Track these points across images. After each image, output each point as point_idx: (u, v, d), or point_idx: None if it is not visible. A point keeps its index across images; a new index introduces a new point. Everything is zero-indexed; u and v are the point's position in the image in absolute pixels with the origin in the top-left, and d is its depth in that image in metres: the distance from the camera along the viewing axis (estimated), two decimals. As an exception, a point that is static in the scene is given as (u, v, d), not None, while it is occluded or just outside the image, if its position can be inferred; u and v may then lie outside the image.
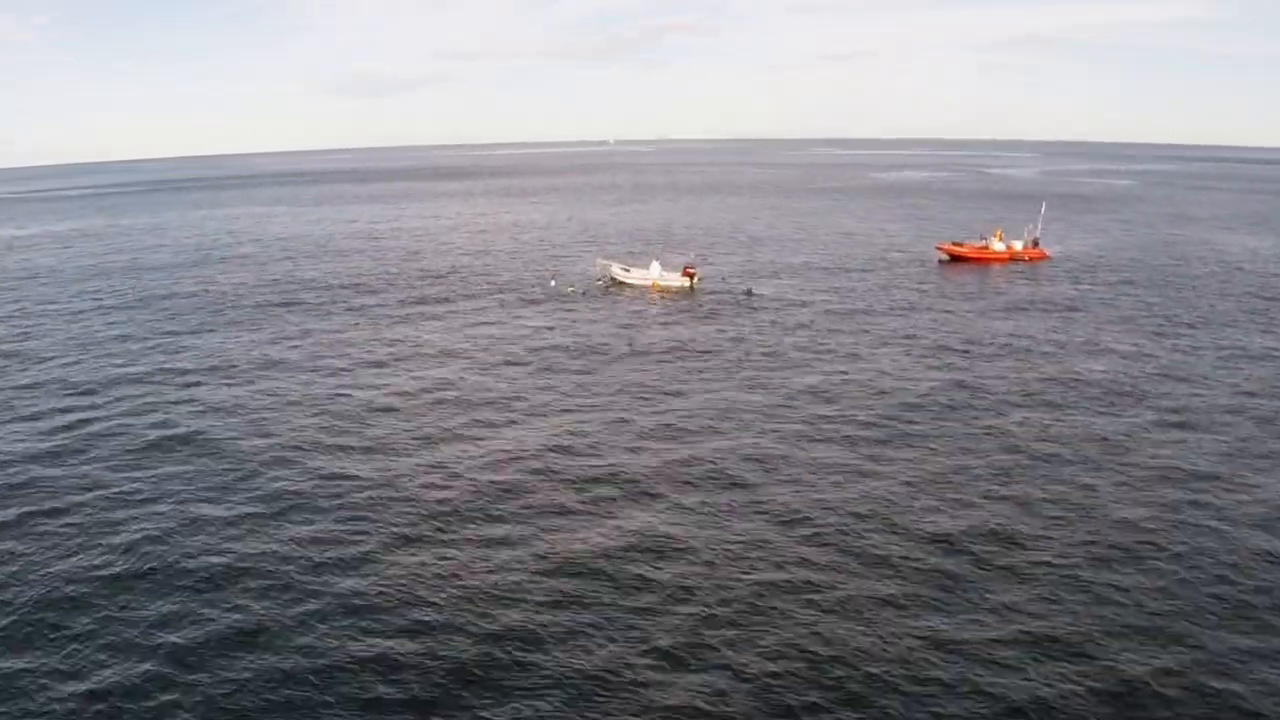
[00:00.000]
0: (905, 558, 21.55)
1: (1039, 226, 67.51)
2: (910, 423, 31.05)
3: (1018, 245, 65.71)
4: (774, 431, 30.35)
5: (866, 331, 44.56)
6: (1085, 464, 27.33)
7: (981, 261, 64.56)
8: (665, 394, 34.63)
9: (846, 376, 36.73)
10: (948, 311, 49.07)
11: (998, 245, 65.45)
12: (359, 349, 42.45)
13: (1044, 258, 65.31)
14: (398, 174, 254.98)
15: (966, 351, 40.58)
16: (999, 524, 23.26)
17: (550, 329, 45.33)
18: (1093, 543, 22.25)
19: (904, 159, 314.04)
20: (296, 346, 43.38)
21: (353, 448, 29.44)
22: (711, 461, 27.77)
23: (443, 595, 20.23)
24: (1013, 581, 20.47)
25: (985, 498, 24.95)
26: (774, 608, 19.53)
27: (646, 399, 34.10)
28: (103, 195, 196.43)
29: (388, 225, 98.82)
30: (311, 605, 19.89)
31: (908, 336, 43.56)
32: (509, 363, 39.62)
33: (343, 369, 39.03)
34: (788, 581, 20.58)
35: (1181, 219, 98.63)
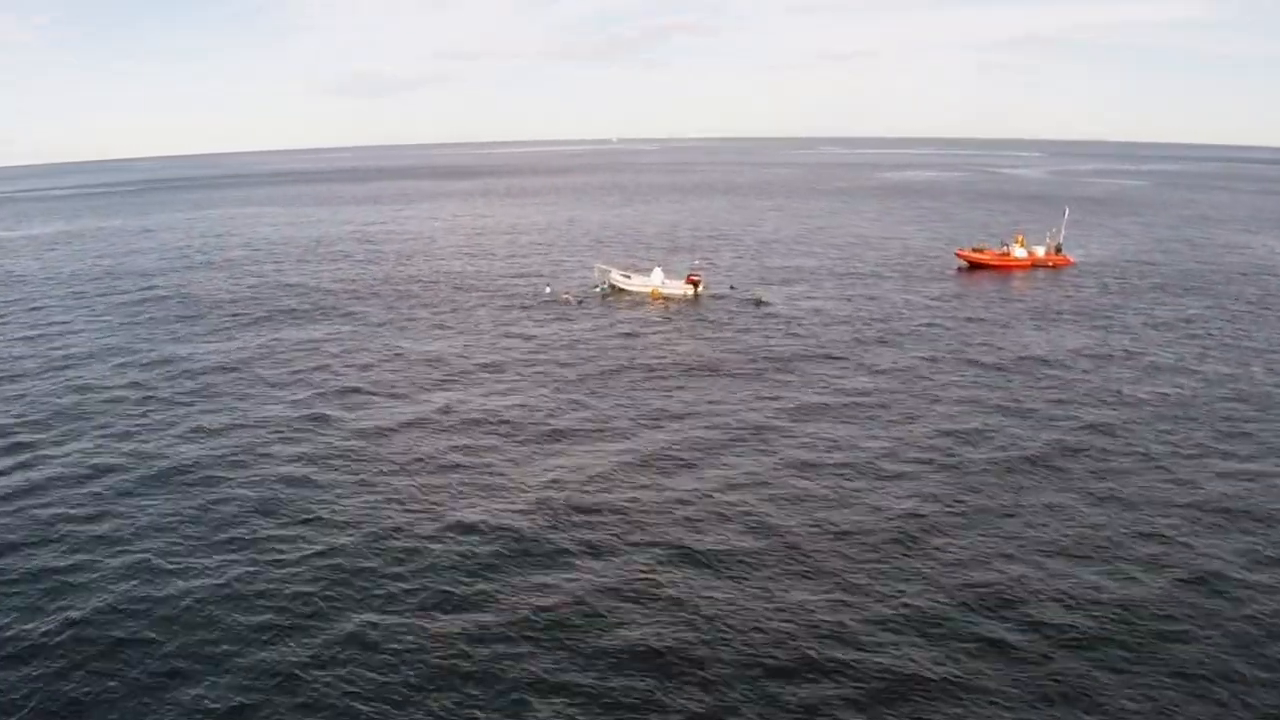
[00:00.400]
0: (952, 624, 18.42)
1: (1062, 231, 64.17)
2: (947, 452, 27.88)
3: (1040, 251, 62.45)
4: (792, 460, 27.23)
5: (885, 343, 41.43)
6: (1152, 505, 24.14)
7: (1003, 269, 61.30)
8: (670, 416, 31.52)
9: (868, 396, 33.58)
10: (972, 322, 45.95)
11: (1019, 251, 62.16)
12: (341, 363, 39.37)
13: (1068, 264, 62.05)
14: (395, 173, 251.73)
15: (999, 368, 37.42)
16: (1064, 580, 20.11)
17: (545, 343, 42.16)
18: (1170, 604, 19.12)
19: (909, 158, 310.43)
20: (276, 359, 40.30)
21: (336, 477, 26.36)
22: (722, 495, 24.67)
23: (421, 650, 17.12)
24: (1077, 652, 17.34)
25: (1044, 548, 21.78)
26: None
27: (649, 422, 30.98)
28: (93, 195, 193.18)
29: (380, 228, 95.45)
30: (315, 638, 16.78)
31: (931, 351, 40.38)
32: (500, 381, 36.48)
33: (321, 387, 35.95)
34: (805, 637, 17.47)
35: (1201, 220, 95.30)
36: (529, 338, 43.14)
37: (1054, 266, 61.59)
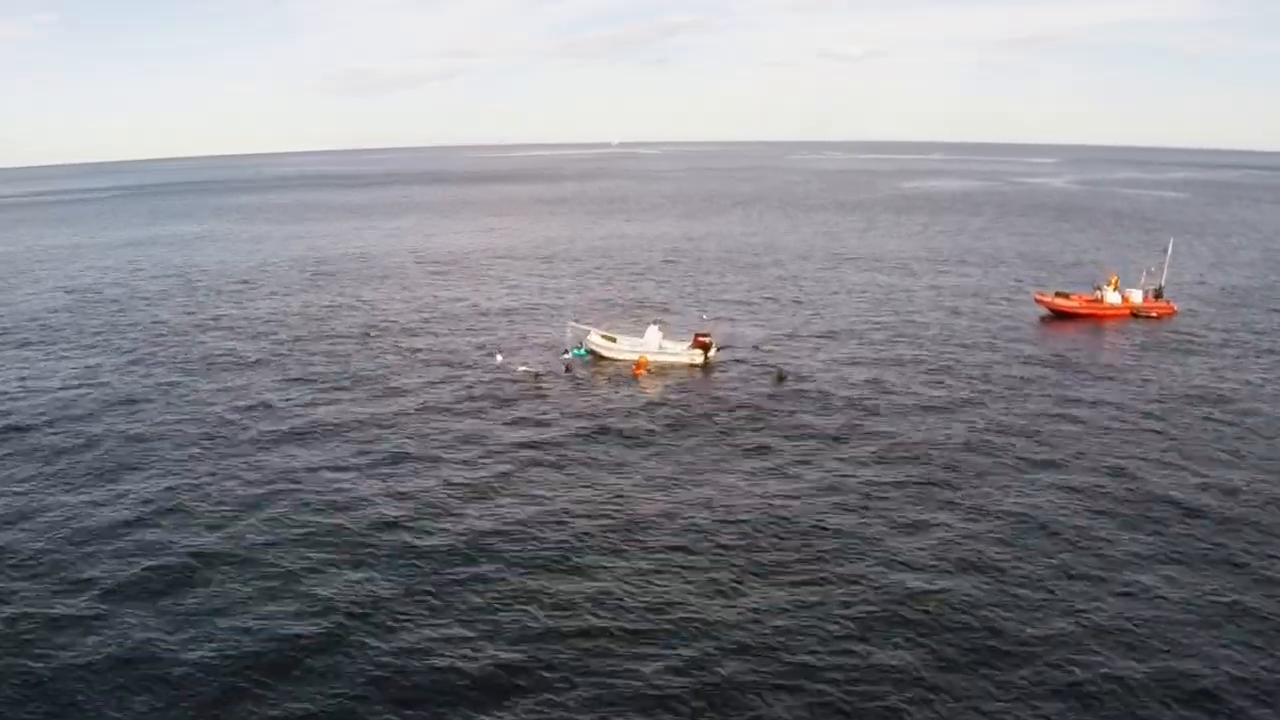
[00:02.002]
0: None
1: (1164, 271, 50.65)
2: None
3: (1137, 296, 49.17)
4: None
5: (975, 452, 28.33)
6: None
7: (1095, 318, 48.09)
8: (678, 623, 18.39)
9: (958, 545, 20.45)
10: (1072, 402, 33.06)
11: (1113, 296, 48.88)
12: (169, 450, 26.19)
13: (1171, 313, 48.76)
14: (369, 180, 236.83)
15: (1129, 489, 24.44)
16: None
17: (485, 452, 29.06)
18: None
19: (923, 165, 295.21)
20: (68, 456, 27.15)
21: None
22: None
23: None
24: None
25: None
26: None
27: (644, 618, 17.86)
28: (57, 204, 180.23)
29: (328, 252, 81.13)
30: None
31: (1032, 456, 27.61)
32: (402, 514, 23.38)
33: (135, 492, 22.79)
34: None
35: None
36: (458, 442, 29.86)
37: (1158, 317, 48.34)
